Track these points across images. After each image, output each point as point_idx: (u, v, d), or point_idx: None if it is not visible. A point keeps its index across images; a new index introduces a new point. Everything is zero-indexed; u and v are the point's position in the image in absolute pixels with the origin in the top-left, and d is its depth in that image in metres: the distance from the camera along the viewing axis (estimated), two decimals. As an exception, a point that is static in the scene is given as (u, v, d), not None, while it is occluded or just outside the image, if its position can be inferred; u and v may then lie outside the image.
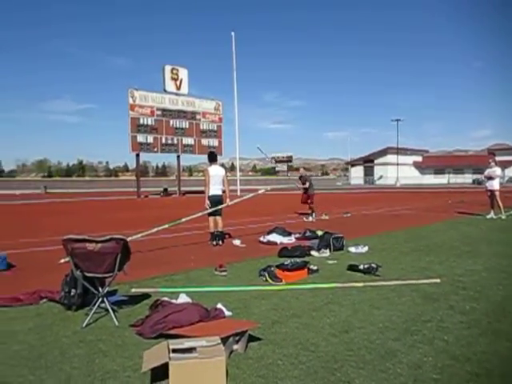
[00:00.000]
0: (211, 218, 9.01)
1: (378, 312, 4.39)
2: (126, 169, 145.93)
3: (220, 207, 9.07)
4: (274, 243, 8.92)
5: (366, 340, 3.65)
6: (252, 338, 3.63)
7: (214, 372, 2.71)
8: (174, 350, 2.88)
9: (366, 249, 7.89)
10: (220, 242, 8.99)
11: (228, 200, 9.26)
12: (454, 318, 4.19)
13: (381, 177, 71.04)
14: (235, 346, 3.43)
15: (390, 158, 70.08)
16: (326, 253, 7.65)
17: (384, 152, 72.57)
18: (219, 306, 4.26)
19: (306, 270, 6.06)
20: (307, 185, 14.79)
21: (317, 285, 5.45)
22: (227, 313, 4.18)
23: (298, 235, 9.69)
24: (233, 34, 35.70)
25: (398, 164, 66.57)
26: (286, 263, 6.05)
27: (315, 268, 6.24)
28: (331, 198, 27.35)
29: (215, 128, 35.38)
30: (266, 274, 5.79)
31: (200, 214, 9.18)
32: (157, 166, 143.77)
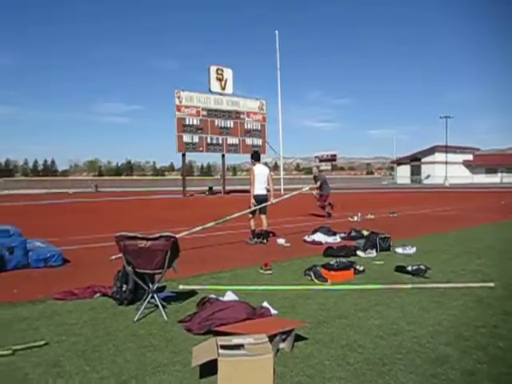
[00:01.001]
0: (253, 217, 9.11)
1: (428, 315, 4.28)
2: (172, 168, 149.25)
3: (264, 205, 9.15)
4: (319, 243, 8.87)
5: (415, 343, 3.57)
6: (298, 337, 3.63)
7: (262, 369, 2.74)
8: (223, 347, 2.93)
9: (413, 250, 7.69)
10: (265, 241, 9.04)
11: (272, 198, 9.32)
12: (509, 324, 4.02)
13: (428, 176, 68.85)
14: (281, 345, 3.45)
15: (439, 156, 67.75)
16: (373, 253, 7.52)
17: (432, 150, 70.26)
18: (265, 304, 4.30)
19: (352, 270, 5.98)
20: (318, 184, 14.26)
21: (363, 285, 5.37)
22: (273, 311, 4.20)
23: (343, 235, 9.57)
24: (276, 32, 35.67)
25: (446, 163, 64.29)
26: (331, 263, 6.00)
27: (361, 268, 6.16)
28: (377, 198, 26.83)
29: (259, 127, 35.51)
30: (312, 274, 5.77)
31: (244, 211, 9.27)
32: (202, 166, 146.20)
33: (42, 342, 3.59)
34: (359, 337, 3.74)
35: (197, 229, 8.67)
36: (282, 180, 34.87)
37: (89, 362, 3.30)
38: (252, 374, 2.74)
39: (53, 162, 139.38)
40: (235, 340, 2.99)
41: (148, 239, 4.09)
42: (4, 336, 3.80)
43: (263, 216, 9.16)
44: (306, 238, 9.33)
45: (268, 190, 9.28)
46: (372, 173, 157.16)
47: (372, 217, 14.07)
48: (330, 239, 9.17)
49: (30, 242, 6.84)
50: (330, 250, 7.49)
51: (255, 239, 9.06)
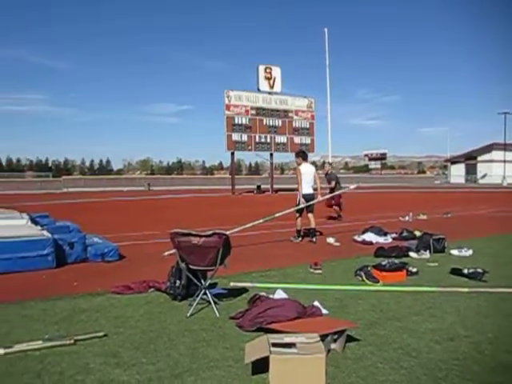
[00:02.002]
0: (300, 216, 9.11)
1: (487, 321, 4.11)
2: (220, 167, 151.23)
3: (311, 203, 9.16)
4: (369, 243, 8.72)
5: (473, 350, 3.44)
6: (349, 338, 3.59)
7: (314, 369, 2.74)
8: (274, 345, 2.95)
9: (470, 252, 7.39)
10: (314, 240, 9.01)
11: (319, 196, 9.34)
12: None
13: (485, 175, 65.65)
14: (333, 345, 3.43)
15: (496, 154, 64.42)
16: (426, 254, 7.29)
17: (489, 148, 66.94)
18: (316, 303, 4.28)
19: (404, 271, 5.84)
20: (333, 184, 12.91)
21: (417, 287, 5.23)
22: (324, 311, 4.18)
23: (394, 235, 9.35)
24: (326, 30, 35.32)
25: (504, 161, 61.05)
26: (383, 263, 5.88)
27: (414, 270, 5.99)
28: (429, 198, 25.97)
29: (307, 125, 35.25)
30: (363, 274, 5.69)
31: (292, 209, 9.29)
32: (250, 164, 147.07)
33: (101, 333, 3.76)
34: (413, 340, 3.65)
35: (246, 226, 8.75)
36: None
37: (145, 354, 3.43)
38: (304, 372, 2.75)
39: (108, 161, 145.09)
40: (287, 338, 3.00)
41: (201, 236, 4.19)
42: (66, 326, 4.02)
43: (310, 215, 9.16)
44: (356, 237, 9.20)
45: (315, 189, 9.29)
46: (424, 172, 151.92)
47: (424, 217, 13.62)
48: (380, 239, 8.99)
49: (89, 238, 7.18)
50: (381, 251, 7.34)
51: (299, 238, 9.10)
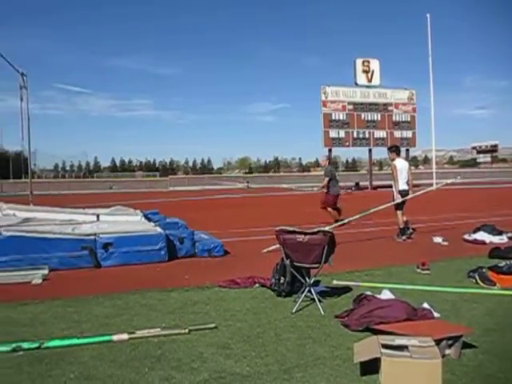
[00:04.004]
0: (400, 212, 8.80)
1: None
2: (317, 164, 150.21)
3: (407, 198, 8.89)
4: (482, 242, 8.11)
5: None
6: (464, 345, 3.38)
7: (429, 374, 2.63)
8: (385, 346, 2.88)
9: None
10: (402, 239, 8.75)
11: (411, 192, 9.01)
12: None
13: None
14: (447, 351, 3.25)
15: None
16: (551, 257, 6.58)
17: None
18: (426, 305, 4.09)
19: (526, 275, 5.33)
20: (326, 181, 11.20)
21: (542, 293, 4.75)
22: (435, 314, 3.98)
23: (510, 234, 8.58)
24: (428, 16, 33.25)
25: None
26: (500, 265, 5.42)
27: (538, 274, 5.44)
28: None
29: (408, 119, 33.62)
30: (477, 276, 5.31)
31: (388, 204, 9.00)
32: (347, 161, 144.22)
33: (212, 325, 3.97)
34: (540, 351, 3.33)
35: (344, 222, 8.61)
36: (434, 174, 32.48)
37: (253, 347, 3.55)
38: (418, 377, 2.64)
39: (209, 160, 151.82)
40: (398, 340, 2.91)
41: (306, 234, 4.22)
42: (180, 316, 4.29)
43: (399, 212, 8.90)
44: (467, 236, 8.60)
45: (408, 185, 9.02)
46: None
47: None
48: (494, 239, 8.31)
49: (196, 234, 7.59)
50: (496, 251, 6.78)
51: (403, 236, 8.76)
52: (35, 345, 3.53)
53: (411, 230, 9.05)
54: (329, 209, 11.12)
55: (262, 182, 46.05)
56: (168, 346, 3.56)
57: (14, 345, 3.52)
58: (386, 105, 32.89)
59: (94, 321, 4.19)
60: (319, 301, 4.43)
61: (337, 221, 10.46)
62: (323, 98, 31.00)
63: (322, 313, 4.27)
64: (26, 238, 6.43)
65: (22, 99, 12.68)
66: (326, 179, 11.20)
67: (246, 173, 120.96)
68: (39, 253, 6.35)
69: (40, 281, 5.77)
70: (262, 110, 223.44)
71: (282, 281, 4.81)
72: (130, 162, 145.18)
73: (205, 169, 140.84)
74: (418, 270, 5.94)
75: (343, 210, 11.29)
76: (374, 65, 32.21)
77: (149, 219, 9.01)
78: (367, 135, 32.29)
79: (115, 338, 3.68)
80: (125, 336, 3.71)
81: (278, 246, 5.11)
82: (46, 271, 6.11)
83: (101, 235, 6.74)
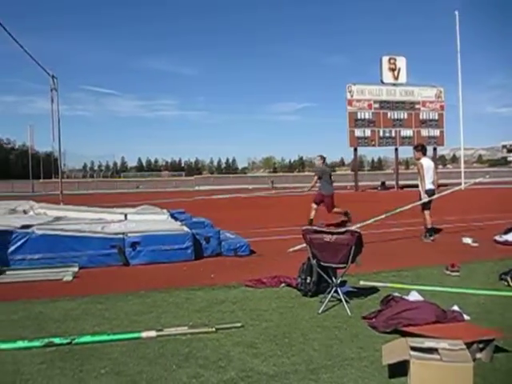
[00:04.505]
0: (428, 212, 8.68)
1: None
2: (342, 163, 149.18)
3: (433, 197, 8.77)
4: (514, 244, 7.89)
5: None
6: (496, 349, 3.29)
7: (460, 378, 2.58)
8: (414, 348, 2.84)
9: None
10: (431, 239, 8.64)
11: (436, 192, 8.93)
12: None
13: None
14: (478, 355, 3.18)
15: None
16: None
17: None
18: (455, 308, 4.01)
19: (561, 278, 5.16)
20: (314, 180, 11.02)
21: None
22: (466, 317, 3.90)
23: (545, 236, 8.31)
24: (456, 13, 32.53)
25: None
26: (534, 268, 5.27)
27: None
28: None
29: (436, 117, 32.98)
30: (509, 279, 5.17)
31: (415, 204, 8.88)
32: (372, 160, 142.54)
33: (238, 324, 3.99)
34: None
35: (368, 222, 8.51)
36: (462, 173, 31.79)
37: (280, 346, 3.55)
38: (449, 381, 2.60)
39: (234, 160, 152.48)
40: (428, 343, 2.86)
41: (333, 233, 4.20)
42: (207, 315, 4.33)
43: (427, 212, 8.78)
44: (498, 237, 8.37)
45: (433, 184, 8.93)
46: None
47: None
48: (528, 240, 8.06)
49: (222, 233, 7.64)
50: (529, 253, 6.59)
51: (431, 237, 8.64)
52: (67, 340, 3.62)
53: (431, 231, 8.85)
54: (336, 209, 10.85)
55: (286, 181, 45.99)
56: (195, 344, 3.59)
57: (46, 340, 3.62)
58: (412, 103, 32.36)
59: (123, 318, 4.27)
60: (346, 301, 4.40)
61: (311, 220, 10.26)
62: (349, 97, 30.73)
63: (349, 313, 4.24)
64: (57, 237, 6.61)
65: (52, 101, 13.01)
66: (315, 178, 11.07)
67: (270, 172, 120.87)
68: (70, 251, 6.53)
69: (71, 278, 5.91)
70: (287, 110, 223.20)
71: (308, 280, 4.79)
72: (156, 161, 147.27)
73: (229, 168, 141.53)
74: (448, 272, 5.82)
75: (372, 211, 11.14)
76: (401, 62, 31.73)
77: (175, 218, 9.12)
78: (393, 134, 31.85)
79: (144, 334, 3.74)
80: (153, 333, 3.77)
81: (304, 245, 5.11)
82: (76, 269, 6.26)
83: (129, 234, 6.87)
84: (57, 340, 3.63)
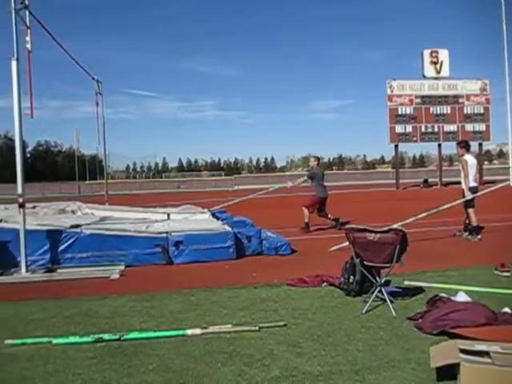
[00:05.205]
0: (472, 210, 8.42)
1: None
2: (382, 161, 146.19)
3: (477, 195, 8.53)
4: None
5: None
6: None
7: (514, 383, 2.48)
8: (463, 351, 2.76)
9: None
10: (477, 238, 8.33)
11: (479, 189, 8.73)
12: None
13: None
14: (533, 358, 3.04)
15: None
16: None
17: None
18: (507, 309, 3.86)
19: None
20: (302, 179, 10.73)
21: None
22: (518, 319, 3.74)
23: None
24: (502, 0, 31.13)
25: None
26: None
27: None
28: None
29: (481, 111, 31.70)
30: None
31: (459, 201, 8.62)
32: (414, 157, 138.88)
33: (281, 323, 4.00)
34: None
35: (409, 220, 8.31)
36: (510, 169, 30.45)
37: (324, 346, 3.53)
38: (502, 385, 2.51)
39: (272, 159, 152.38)
40: (478, 346, 2.77)
41: (377, 232, 4.14)
42: (250, 314, 4.37)
43: (471, 210, 8.51)
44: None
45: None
46: None
47: None
48: None
49: (263, 232, 7.67)
50: None
51: (478, 235, 8.33)
52: (115, 336, 3.75)
53: (462, 231, 8.72)
54: (304, 209, 10.14)
55: (326, 179, 45.47)
56: (239, 343, 3.63)
57: (96, 336, 3.76)
58: (456, 97, 31.28)
59: (168, 315, 4.37)
60: (390, 301, 4.32)
61: (307, 224, 9.89)
62: (389, 93, 30.08)
63: (394, 314, 4.16)
64: (104, 236, 6.85)
65: (97, 104, 13.45)
66: (304, 178, 10.83)
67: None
68: (116, 250, 6.75)
69: (117, 276, 6.11)
70: (325, 108, 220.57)
71: (351, 280, 4.74)
72: (195, 161, 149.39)
73: (268, 167, 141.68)
74: (497, 272, 5.61)
75: (414, 209, 10.88)
76: (443, 55, 30.74)
77: (216, 217, 9.24)
78: (436, 129, 30.90)
79: (189, 332, 3.82)
80: (198, 331, 3.84)
81: (346, 244, 5.06)
82: (122, 267, 6.47)
83: (172, 233, 7.02)
84: (106, 336, 3.76)
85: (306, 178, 10.86)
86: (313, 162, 11.08)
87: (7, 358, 3.44)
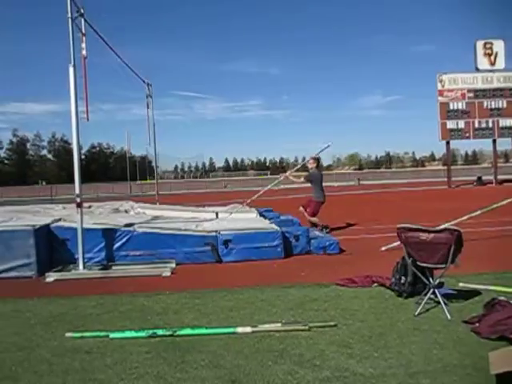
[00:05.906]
0: None
1: None
2: (432, 158, 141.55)
3: None
4: None
5: None
6: None
7: None
8: (526, 357, 2.63)
9: None
10: None
11: None
12: None
13: None
14: None
15: None
16: None
17: None
18: None
19: None
20: (301, 180, 10.05)
21: None
22: None
23: None
24: None
25: None
26: None
27: None
28: None
29: (542, 104, 30.06)
30: None
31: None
32: (466, 154, 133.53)
33: (332, 323, 3.97)
34: None
35: (463, 218, 7.99)
36: None
37: (376, 348, 3.47)
38: None
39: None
40: (542, 352, 2.64)
41: (430, 232, 4.02)
42: (299, 313, 4.37)
43: None
44: None
45: None
46: None
47: None
48: None
49: (311, 231, 7.64)
50: None
51: None
52: (169, 332, 3.87)
53: None
54: (302, 209, 9.80)
55: (373, 178, 44.61)
56: (289, 342, 3.64)
57: (150, 331, 3.89)
58: (512, 90, 29.76)
59: (218, 313, 4.45)
60: (445, 304, 4.18)
61: (318, 225, 9.33)
62: (439, 87, 29.07)
63: (449, 317, 4.03)
64: (156, 235, 7.07)
65: (148, 107, 13.83)
66: (301, 179, 10.19)
67: (355, 169, 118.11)
68: (167, 248, 6.96)
69: (169, 274, 6.29)
70: (372, 104, 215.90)
71: (402, 281, 4.63)
72: (242, 161, 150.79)
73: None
74: (561, 275, 5.31)
75: (472, 207, 10.47)
76: (498, 46, 29.30)
77: (264, 216, 9.28)
78: (491, 125, 29.53)
79: (239, 330, 3.87)
80: (248, 329, 3.88)
81: (397, 243, 4.94)
82: (173, 265, 6.64)
83: (221, 232, 7.13)
84: (160, 331, 3.88)
85: (303, 180, 10.15)
86: (311, 164, 10.02)
87: (68, 351, 3.63)
